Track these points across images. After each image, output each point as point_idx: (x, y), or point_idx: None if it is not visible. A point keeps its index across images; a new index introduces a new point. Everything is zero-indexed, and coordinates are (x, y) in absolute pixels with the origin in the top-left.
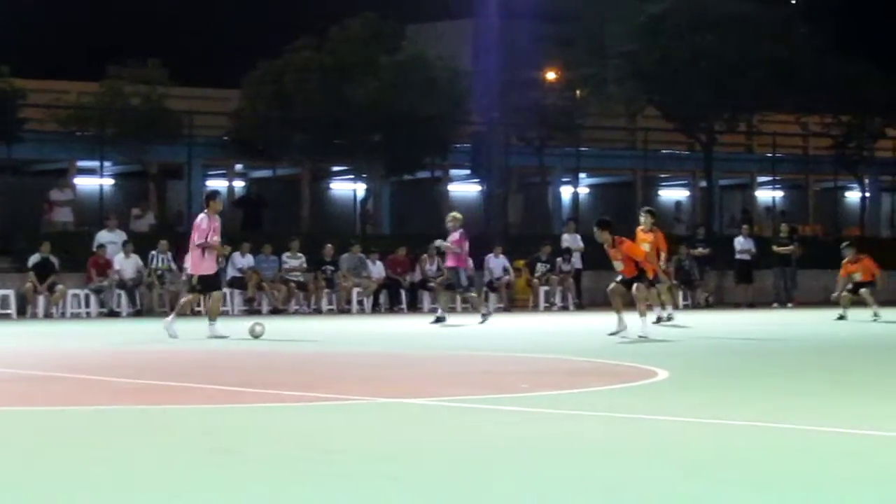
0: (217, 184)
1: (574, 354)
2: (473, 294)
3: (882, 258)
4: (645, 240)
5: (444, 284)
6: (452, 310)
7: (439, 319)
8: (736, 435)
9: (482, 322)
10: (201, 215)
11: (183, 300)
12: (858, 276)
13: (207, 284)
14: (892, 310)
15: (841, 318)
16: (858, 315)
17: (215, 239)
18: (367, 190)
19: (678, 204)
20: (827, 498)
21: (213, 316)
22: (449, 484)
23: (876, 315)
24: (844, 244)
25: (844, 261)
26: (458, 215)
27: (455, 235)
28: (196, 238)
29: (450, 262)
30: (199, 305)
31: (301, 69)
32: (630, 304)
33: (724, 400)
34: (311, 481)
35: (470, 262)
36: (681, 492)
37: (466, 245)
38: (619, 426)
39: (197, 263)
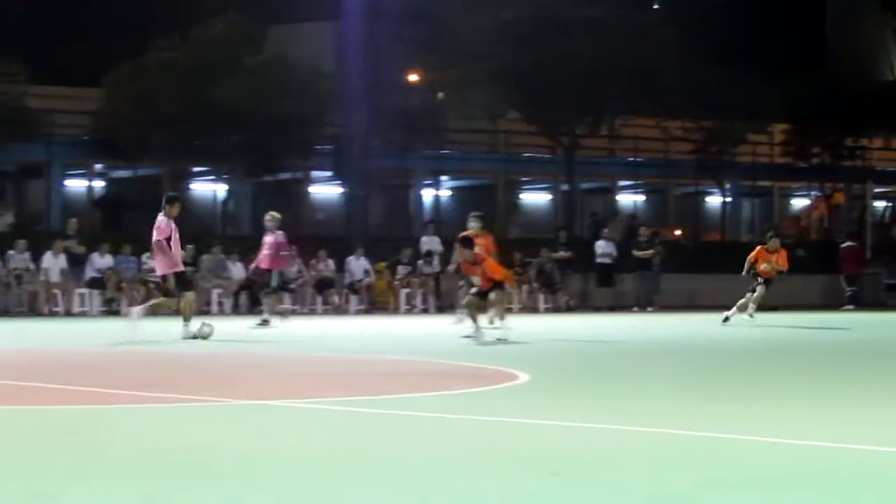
0: (77, 183)
1: (436, 357)
2: (275, 297)
3: (742, 262)
4: (476, 244)
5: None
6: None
7: (264, 322)
8: (598, 437)
9: (260, 325)
10: (160, 216)
11: (153, 301)
12: (767, 267)
13: (183, 283)
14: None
15: (751, 316)
16: (736, 319)
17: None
18: (228, 191)
19: (514, 206)
20: (685, 500)
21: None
22: (308, 486)
23: (727, 318)
24: (771, 233)
25: (761, 247)
26: (277, 215)
27: (277, 236)
28: (154, 236)
29: (264, 264)
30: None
31: (163, 68)
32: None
33: (586, 403)
34: (169, 482)
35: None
36: (544, 494)
37: (278, 245)
38: (481, 429)
39: (165, 263)
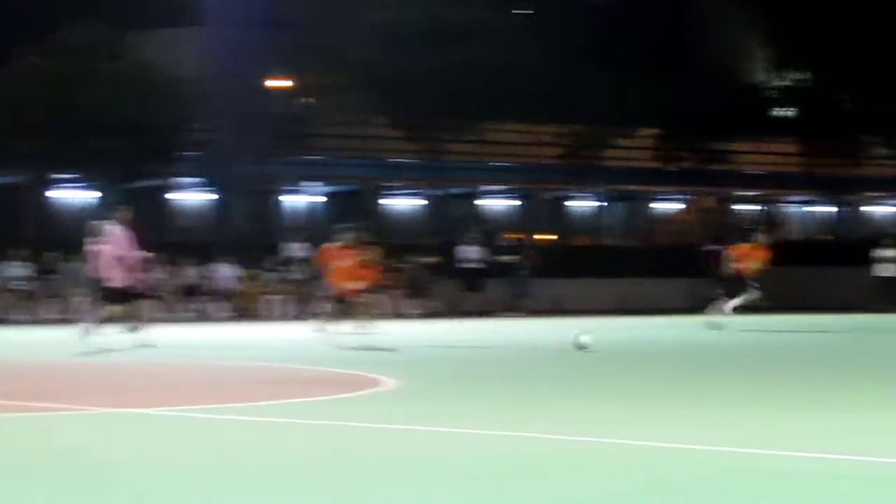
0: None
1: (304, 363)
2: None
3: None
4: (345, 255)
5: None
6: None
7: (134, 328)
8: (471, 443)
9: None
10: (114, 228)
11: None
12: (757, 265)
13: (112, 296)
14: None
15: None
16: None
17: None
18: (100, 198)
19: (372, 213)
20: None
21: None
22: (170, 494)
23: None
24: (759, 229)
25: (748, 246)
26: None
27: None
28: (114, 251)
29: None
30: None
31: (24, 76)
32: None
33: (456, 408)
34: (41, 491)
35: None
36: (421, 499)
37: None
38: (350, 434)
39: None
